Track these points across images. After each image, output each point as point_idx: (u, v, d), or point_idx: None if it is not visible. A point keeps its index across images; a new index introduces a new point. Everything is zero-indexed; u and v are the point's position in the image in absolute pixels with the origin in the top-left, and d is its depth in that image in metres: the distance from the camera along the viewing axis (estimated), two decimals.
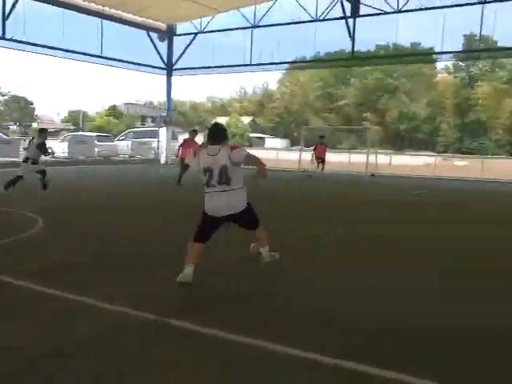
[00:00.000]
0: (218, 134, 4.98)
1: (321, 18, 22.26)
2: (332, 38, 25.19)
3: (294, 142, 60.34)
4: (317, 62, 29.30)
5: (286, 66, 31.78)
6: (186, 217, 9.16)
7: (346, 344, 3.59)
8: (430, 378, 3.07)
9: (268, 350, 3.42)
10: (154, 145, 30.64)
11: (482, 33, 21.28)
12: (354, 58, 23.39)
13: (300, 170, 24.59)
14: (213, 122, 5.51)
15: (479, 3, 19.25)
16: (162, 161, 29.20)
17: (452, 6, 19.99)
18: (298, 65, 32.30)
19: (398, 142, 63.85)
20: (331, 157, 23.87)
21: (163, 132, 29.40)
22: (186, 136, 16.49)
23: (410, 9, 20.53)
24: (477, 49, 25.02)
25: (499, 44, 24.76)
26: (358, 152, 35.93)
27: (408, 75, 65.97)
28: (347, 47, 22.79)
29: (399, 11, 20.65)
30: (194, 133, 15.39)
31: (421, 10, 20.50)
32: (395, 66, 60.32)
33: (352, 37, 21.90)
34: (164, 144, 29.43)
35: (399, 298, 4.76)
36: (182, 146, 15.30)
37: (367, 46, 32.57)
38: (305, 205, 11.97)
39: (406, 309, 4.45)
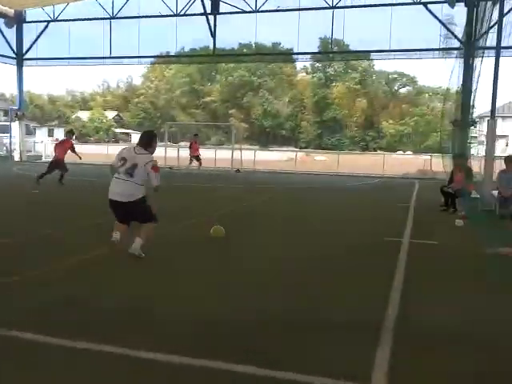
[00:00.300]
0: (149, 142, 5.98)
1: (181, 14, 22.13)
2: (196, 35, 25.23)
3: (161, 138, 59.38)
4: (179, 57, 29.09)
5: (150, 60, 31.10)
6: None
7: (179, 342, 3.56)
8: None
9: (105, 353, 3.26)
10: (6, 141, 28.12)
11: (336, 36, 22.79)
12: (217, 55, 23.65)
13: (166, 166, 24.23)
14: (148, 130, 6.46)
15: (329, 8, 20.56)
16: (16, 158, 26.91)
17: (306, 9, 21.12)
18: (162, 60, 31.78)
19: (263, 138, 66.10)
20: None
21: (16, 127, 27.07)
22: (44, 130, 15.98)
23: (267, 9, 21.29)
24: (330, 51, 26.74)
25: (350, 47, 26.71)
26: (225, 148, 36.45)
27: (270, 74, 68.53)
28: (212, 44, 23.00)
29: (257, 11, 21.29)
30: (70, 133, 15.48)
31: (277, 11, 21.41)
32: (258, 65, 62.31)
33: (213, 34, 22.09)
34: (17, 140, 27.11)
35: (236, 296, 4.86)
36: (58, 145, 14.83)
37: (231, 44, 33.14)
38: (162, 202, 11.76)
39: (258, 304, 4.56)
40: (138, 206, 5.82)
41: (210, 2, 21.60)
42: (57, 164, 14.28)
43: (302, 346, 3.60)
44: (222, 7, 21.82)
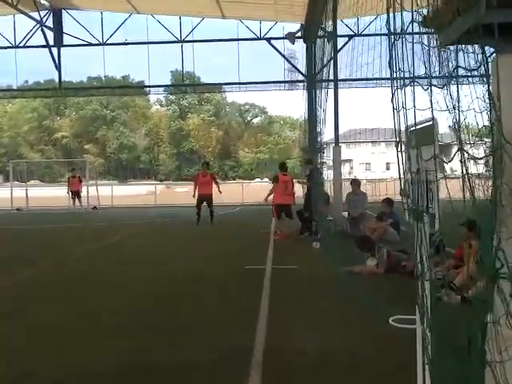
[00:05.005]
0: None
1: (21, 45, 20.67)
2: (40, 67, 23.89)
3: (8, 178, 54.42)
4: (22, 91, 27.16)
5: None
6: None
7: None
8: None
9: None
10: None
11: (187, 69, 23.06)
12: (64, 89, 22.54)
13: (14, 207, 22.74)
14: None
15: (178, 42, 20.71)
16: None
17: (154, 43, 21.04)
18: (2, 94, 29.35)
19: (121, 172, 64.16)
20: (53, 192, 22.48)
21: None
22: None
23: (114, 42, 20.80)
24: (183, 84, 27.01)
25: (202, 80, 27.27)
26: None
27: (123, 107, 67.12)
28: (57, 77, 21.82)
29: (104, 44, 20.67)
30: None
31: (125, 44, 21.04)
32: (110, 98, 60.72)
33: (58, 67, 20.94)
34: None
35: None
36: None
37: (79, 77, 32.04)
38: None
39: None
40: None
41: (52, 34, 20.39)
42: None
43: None
44: (67, 39, 20.80)
